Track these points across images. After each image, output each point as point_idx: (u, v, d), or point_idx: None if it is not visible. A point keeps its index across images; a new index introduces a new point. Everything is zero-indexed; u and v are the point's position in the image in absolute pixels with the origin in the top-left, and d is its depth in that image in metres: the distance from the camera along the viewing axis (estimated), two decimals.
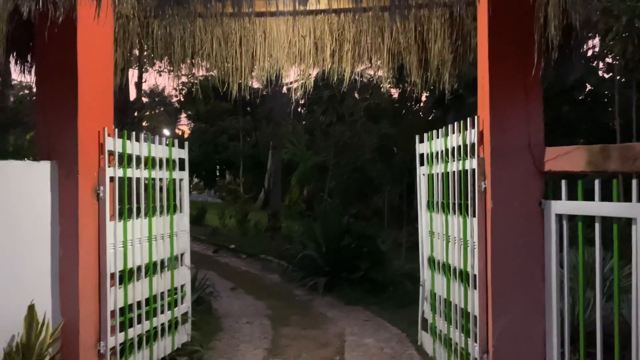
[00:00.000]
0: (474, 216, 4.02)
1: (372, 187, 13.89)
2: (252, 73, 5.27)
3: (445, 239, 4.62)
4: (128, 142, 4.56)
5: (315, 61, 5.14)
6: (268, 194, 19.92)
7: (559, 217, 3.54)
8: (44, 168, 4.04)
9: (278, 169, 14.79)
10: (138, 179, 4.73)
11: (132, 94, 15.52)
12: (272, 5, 4.81)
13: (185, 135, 33.59)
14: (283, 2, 4.73)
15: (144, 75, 19.30)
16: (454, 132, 4.39)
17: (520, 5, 3.55)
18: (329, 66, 5.13)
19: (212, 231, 15.96)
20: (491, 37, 3.73)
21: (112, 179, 4.39)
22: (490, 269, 3.76)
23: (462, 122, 4.21)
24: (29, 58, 4.45)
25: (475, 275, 4.01)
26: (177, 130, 35.59)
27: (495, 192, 3.72)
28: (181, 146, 5.49)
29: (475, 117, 3.98)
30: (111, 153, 4.38)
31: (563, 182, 3.43)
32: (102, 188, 4.25)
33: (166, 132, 24.85)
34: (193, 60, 5.26)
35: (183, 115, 33.62)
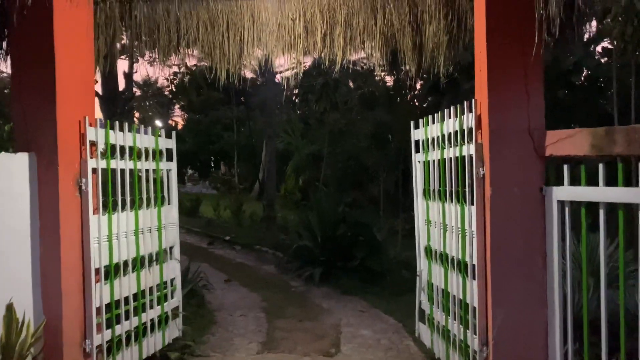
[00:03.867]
0: (472, 204, 3.87)
1: (368, 175, 13.75)
2: (241, 59, 5.06)
3: (442, 227, 4.47)
4: (111, 132, 4.37)
5: (306, 46, 4.93)
6: (263, 184, 19.75)
7: (561, 203, 3.39)
8: (22, 160, 3.85)
9: (272, 158, 14.59)
10: (123, 171, 4.55)
11: (122, 84, 15.24)
12: None
13: (179, 127, 33.35)
14: None
15: (135, 66, 19.03)
16: (450, 117, 4.22)
17: None
18: (321, 51, 4.93)
19: (207, 223, 15.79)
20: (489, 15, 3.55)
21: (94, 170, 4.21)
22: (489, 258, 3.61)
23: (458, 106, 4.04)
24: (4, 45, 4.24)
25: (474, 265, 3.86)
26: (170, 122, 35.30)
27: (494, 179, 3.56)
28: (168, 136, 5.30)
29: (473, 100, 3.81)
30: (93, 144, 4.20)
31: (565, 166, 3.27)
32: (84, 180, 4.07)
33: (158, 123, 24.56)
34: (179, 47, 5.05)
35: (177, 106, 33.32)
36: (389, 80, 20.24)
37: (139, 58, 17.69)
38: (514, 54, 3.51)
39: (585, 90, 13.53)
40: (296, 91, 23.81)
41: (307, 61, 22.31)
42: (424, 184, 4.87)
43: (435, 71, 4.84)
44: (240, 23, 4.92)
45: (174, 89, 21.92)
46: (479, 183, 3.76)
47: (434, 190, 4.65)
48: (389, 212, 12.45)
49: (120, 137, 4.49)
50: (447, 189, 4.35)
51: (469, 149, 3.89)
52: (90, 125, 4.15)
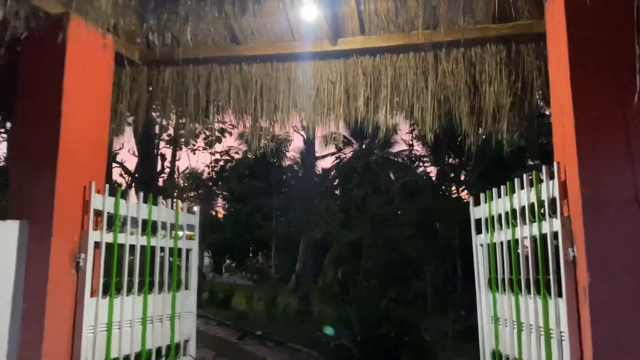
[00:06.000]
0: (560, 296, 2.99)
1: (413, 267, 12.69)
2: (274, 126, 4.55)
3: (516, 327, 3.54)
4: (122, 201, 3.81)
5: (347, 112, 4.39)
6: (299, 276, 18.81)
7: None
8: (10, 229, 3.28)
9: (310, 248, 13.84)
10: (133, 247, 3.92)
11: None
12: (298, 46, 4.20)
13: (220, 216, 33.34)
14: (309, 40, 4.11)
15: (178, 154, 19.23)
16: (522, 187, 3.45)
17: (612, 17, 2.76)
18: (363, 116, 4.36)
19: (239, 315, 14.82)
20: (573, 59, 2.89)
21: (97, 244, 3.60)
22: None
23: (534, 172, 3.29)
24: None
25: None
26: (212, 212, 35.44)
27: (593, 262, 2.71)
28: (191, 211, 4.72)
29: (555, 163, 3.06)
30: (99, 213, 3.63)
31: None
32: (83, 255, 3.45)
33: (196, 209, 24.47)
34: (208, 113, 4.60)
35: (219, 197, 33.55)
36: (432, 171, 19.68)
37: (182, 146, 17.86)
38: (609, 103, 2.80)
39: None
40: (336, 182, 23.52)
41: (348, 151, 22.13)
42: (490, 272, 4.00)
43: (499, 138, 4.14)
44: (275, 87, 4.46)
45: (214, 176, 22.00)
46: (568, 268, 2.90)
47: (503, 279, 3.76)
48: (437, 310, 11.23)
49: (132, 208, 3.91)
50: (521, 277, 3.47)
51: (552, 225, 3.07)
52: (98, 192, 3.61)
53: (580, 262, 2.79)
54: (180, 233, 4.48)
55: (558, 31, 3.11)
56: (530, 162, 16.36)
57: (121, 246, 3.79)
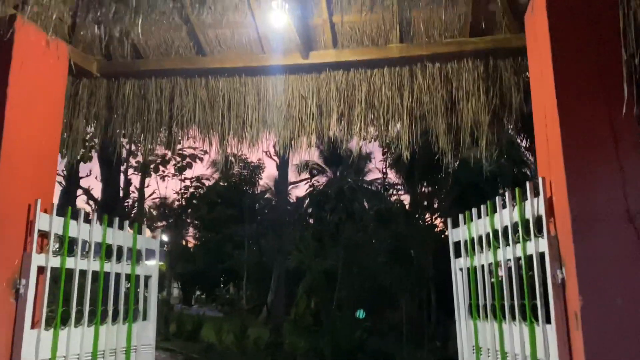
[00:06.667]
0: (548, 322, 2.76)
1: (387, 296, 12.39)
2: (243, 143, 4.29)
3: (500, 357, 3.28)
4: (73, 222, 3.47)
5: (320, 128, 4.17)
6: (271, 307, 18.26)
7: None
8: None
9: (282, 278, 13.43)
10: (84, 272, 3.56)
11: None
12: (267, 59, 3.99)
13: (190, 246, 32.46)
14: (280, 53, 3.90)
15: (146, 181, 18.73)
16: (505, 206, 3.26)
17: (596, 27, 2.63)
18: (337, 133, 4.15)
19: (207, 348, 14.19)
20: (558, 74, 2.74)
21: (42, 269, 3.24)
22: None
23: (517, 189, 3.10)
24: None
25: None
26: (182, 241, 34.53)
27: (585, 284, 2.49)
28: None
29: (539, 179, 2.87)
30: (44, 234, 3.27)
31: None
32: (24, 282, 3.09)
33: (165, 237, 23.79)
34: (171, 129, 4.31)
35: (190, 227, 32.75)
36: (406, 199, 19.61)
37: (152, 172, 17.41)
38: (596, 115, 2.64)
39: None
40: (310, 210, 23.23)
41: (321, 179, 21.92)
42: (470, 297, 3.76)
43: (478, 156, 3.96)
44: (244, 102, 4.22)
45: (184, 204, 21.49)
46: (557, 292, 2.69)
47: (485, 305, 3.53)
48: (412, 340, 10.92)
49: (84, 229, 3.56)
50: (505, 302, 3.24)
51: (538, 246, 2.87)
52: (45, 211, 3.27)
53: (571, 284, 2.58)
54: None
55: (540, 44, 2.98)
56: (502, 190, 16.48)
57: (70, 272, 3.42)
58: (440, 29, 3.79)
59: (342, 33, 3.96)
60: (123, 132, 4.44)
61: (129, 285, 4.06)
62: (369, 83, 4.07)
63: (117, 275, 3.88)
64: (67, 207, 3.56)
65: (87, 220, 3.61)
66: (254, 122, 4.22)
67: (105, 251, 3.74)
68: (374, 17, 3.78)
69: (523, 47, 3.43)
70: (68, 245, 3.40)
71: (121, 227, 3.93)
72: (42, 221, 3.24)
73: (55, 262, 3.31)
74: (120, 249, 3.91)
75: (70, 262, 3.42)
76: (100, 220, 3.71)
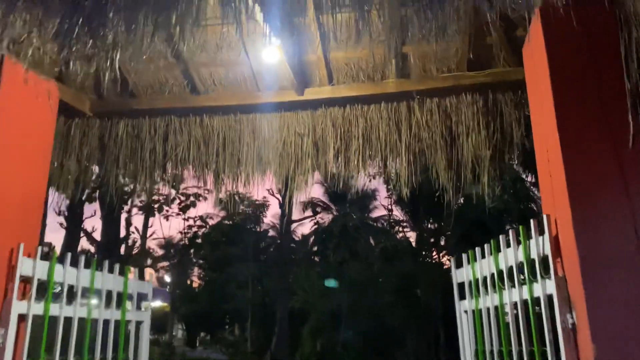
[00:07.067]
0: None
1: (394, 337, 11.99)
2: (238, 181, 4.18)
3: None
4: (59, 265, 3.33)
5: (316, 165, 4.06)
6: (276, 349, 17.78)
7: None
8: None
9: (287, 318, 13.09)
10: (70, 319, 3.39)
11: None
12: (262, 96, 3.92)
13: (195, 285, 32.01)
14: (274, 90, 3.84)
15: (150, 220, 18.64)
16: (509, 245, 3.09)
17: (596, 58, 2.53)
18: (334, 170, 4.04)
19: None
20: (559, 107, 2.63)
21: (23, 317, 3.08)
22: None
23: (521, 227, 2.94)
24: None
25: None
26: (187, 281, 34.10)
27: (597, 330, 2.31)
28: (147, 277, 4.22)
29: (544, 216, 2.72)
30: (27, 280, 3.13)
31: None
32: (2, 331, 2.92)
33: (167, 278, 23.49)
34: (165, 168, 4.22)
35: (195, 267, 32.38)
36: (412, 236, 19.33)
37: (155, 212, 17.33)
38: (601, 148, 2.51)
39: None
40: (315, 248, 22.93)
41: (326, 216, 21.74)
42: (476, 342, 3.55)
43: (480, 192, 3.83)
44: (239, 140, 4.14)
45: (187, 243, 21.28)
46: (567, 337, 2.50)
47: (491, 351, 3.31)
48: None
49: (71, 274, 3.42)
50: (512, 348, 3.04)
51: (546, 287, 2.69)
52: (28, 255, 3.14)
53: (582, 330, 2.39)
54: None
55: (539, 76, 2.89)
56: (508, 226, 16.21)
57: (54, 319, 3.26)
58: (437, 64, 3.72)
59: (337, 69, 3.90)
60: (116, 172, 4.36)
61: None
62: (366, 119, 3.98)
63: (106, 321, 3.71)
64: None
65: (75, 264, 3.47)
66: (249, 160, 4.13)
67: (94, 296, 3.59)
68: (369, 52, 3.72)
69: (522, 80, 3.34)
70: (53, 291, 3.25)
71: (111, 271, 3.78)
72: (25, 266, 3.10)
73: (38, 309, 3.16)
74: (109, 293, 3.75)
75: (54, 309, 3.26)
76: (87, 264, 3.57)
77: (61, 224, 11.69)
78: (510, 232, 3.07)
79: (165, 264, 26.85)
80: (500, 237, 3.19)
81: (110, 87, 3.98)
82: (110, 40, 2.38)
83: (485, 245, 3.39)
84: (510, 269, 3.08)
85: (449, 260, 13.51)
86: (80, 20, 2.26)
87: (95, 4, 2.24)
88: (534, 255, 2.82)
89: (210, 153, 4.18)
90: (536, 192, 16.02)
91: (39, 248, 3.23)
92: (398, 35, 3.36)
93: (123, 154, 4.21)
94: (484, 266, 3.42)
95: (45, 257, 3.28)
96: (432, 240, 16.59)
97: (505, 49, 3.52)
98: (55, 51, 3.35)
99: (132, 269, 4.14)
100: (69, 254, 3.47)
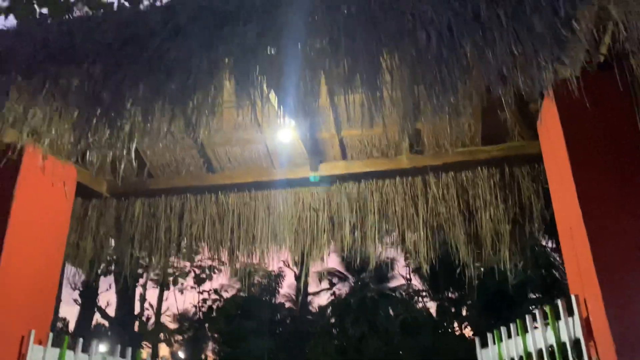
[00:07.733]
0: None
1: None
2: (253, 257, 4.13)
3: None
4: (69, 352, 3.23)
5: (332, 240, 4.01)
6: None
7: None
8: None
9: None
10: None
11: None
12: (277, 173, 3.94)
13: None
14: (289, 167, 3.87)
15: (165, 294, 18.42)
16: (537, 326, 2.94)
17: (612, 127, 2.52)
18: (350, 246, 3.97)
19: None
20: (579, 181, 2.58)
21: None
22: None
23: (548, 308, 2.81)
24: None
25: None
26: (202, 356, 33.04)
27: None
28: None
29: (572, 297, 2.60)
30: None
31: None
32: None
33: (181, 354, 22.82)
34: (180, 247, 4.20)
35: (210, 342, 31.47)
36: (432, 306, 18.71)
37: (170, 285, 17.16)
38: (626, 221, 2.43)
39: None
40: (332, 320, 22.26)
41: (343, 287, 21.29)
42: None
43: (502, 266, 3.71)
44: (254, 217, 4.12)
45: (201, 317, 20.80)
46: None
47: None
48: None
49: None
50: None
51: None
52: (39, 343, 3.06)
53: None
54: None
55: (557, 152, 2.86)
56: (532, 295, 15.63)
57: None
58: (451, 139, 3.73)
59: (350, 146, 3.93)
60: (131, 250, 4.34)
61: None
62: (381, 193, 3.96)
63: None
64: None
65: (86, 350, 3.38)
66: (264, 236, 4.09)
67: None
68: (382, 130, 3.75)
69: (538, 153, 3.32)
70: None
71: (123, 355, 3.67)
72: (35, 354, 3.02)
73: None
74: None
75: None
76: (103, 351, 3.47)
77: (76, 300, 11.58)
78: (538, 312, 2.93)
79: (179, 337, 26.19)
80: (527, 317, 3.05)
81: (128, 169, 4.04)
82: (127, 130, 2.42)
83: (511, 325, 3.24)
84: (539, 352, 2.91)
85: (472, 332, 12.98)
86: (99, 111, 2.32)
87: (113, 95, 2.31)
88: (564, 338, 2.67)
89: (225, 230, 4.15)
90: (558, 258, 15.58)
91: (51, 335, 3.16)
92: (410, 114, 3.40)
93: (139, 232, 4.20)
94: (511, 347, 3.24)
95: (57, 340, 3.20)
96: (453, 309, 16.03)
97: (519, 124, 3.52)
98: (73, 136, 3.43)
99: (144, 352, 4.02)
100: (81, 340, 3.39)
